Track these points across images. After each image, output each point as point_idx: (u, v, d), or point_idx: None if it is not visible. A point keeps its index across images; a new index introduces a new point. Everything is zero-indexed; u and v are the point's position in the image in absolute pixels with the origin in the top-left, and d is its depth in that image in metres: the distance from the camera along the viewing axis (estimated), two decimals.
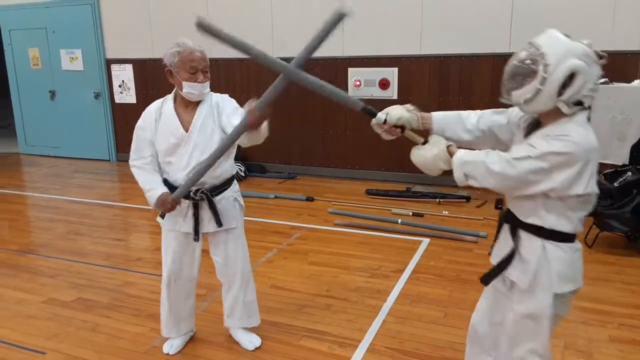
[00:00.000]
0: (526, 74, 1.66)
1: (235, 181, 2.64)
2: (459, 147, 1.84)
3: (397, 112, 1.89)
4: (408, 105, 1.93)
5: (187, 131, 2.41)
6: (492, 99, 6.07)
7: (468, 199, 5.17)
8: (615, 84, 4.56)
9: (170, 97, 2.51)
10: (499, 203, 4.83)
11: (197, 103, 2.46)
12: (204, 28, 1.93)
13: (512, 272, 1.83)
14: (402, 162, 6.00)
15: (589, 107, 1.71)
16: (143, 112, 2.53)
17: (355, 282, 3.50)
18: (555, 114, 1.67)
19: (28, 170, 7.47)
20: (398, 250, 4.03)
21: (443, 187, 5.57)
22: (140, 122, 2.52)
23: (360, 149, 6.20)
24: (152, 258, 4.01)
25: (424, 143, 1.88)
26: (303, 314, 3.08)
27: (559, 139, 1.61)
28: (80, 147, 7.91)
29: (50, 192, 6.07)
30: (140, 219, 5.13)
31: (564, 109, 1.63)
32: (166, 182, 2.47)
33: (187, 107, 2.46)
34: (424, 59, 5.73)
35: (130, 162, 2.53)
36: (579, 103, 1.65)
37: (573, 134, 1.61)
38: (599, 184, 4.00)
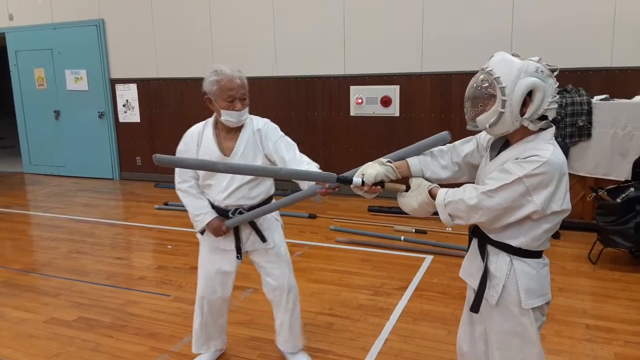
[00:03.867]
0: (485, 98, 1.71)
1: (274, 201, 2.62)
2: (441, 186, 1.84)
3: (372, 172, 1.86)
4: (381, 159, 1.91)
5: (227, 156, 2.42)
6: None
7: None
8: (617, 100, 4.58)
9: (210, 122, 2.51)
10: None
11: (239, 128, 2.46)
12: (164, 162, 1.98)
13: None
14: (405, 179, 6.01)
15: (553, 121, 1.74)
16: (184, 135, 2.53)
17: (358, 300, 3.48)
18: (521, 132, 1.71)
19: (32, 189, 7.50)
20: (401, 268, 4.01)
21: None
22: (181, 146, 2.53)
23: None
24: (154, 277, 4.00)
25: (407, 189, 1.88)
26: (305, 333, 3.04)
27: (530, 161, 1.63)
28: (84, 166, 7.95)
29: (54, 211, 6.08)
30: (143, 238, 5.13)
31: (530, 126, 1.68)
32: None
33: (229, 132, 2.47)
34: (426, 76, 5.77)
35: (176, 186, 2.56)
36: (543, 117, 1.68)
37: (543, 153, 1.63)
38: (602, 200, 4.01)
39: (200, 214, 2.47)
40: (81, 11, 7.45)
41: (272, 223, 2.59)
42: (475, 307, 1.84)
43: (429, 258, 4.15)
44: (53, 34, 7.71)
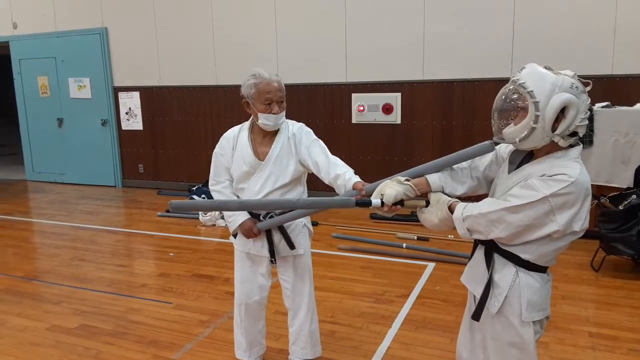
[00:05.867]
0: (514, 111, 1.67)
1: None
2: (460, 199, 1.83)
3: (391, 192, 1.84)
4: (398, 177, 1.90)
5: (262, 160, 2.43)
6: None
7: None
8: (618, 108, 4.58)
9: (247, 126, 2.53)
10: None
11: (275, 132, 2.47)
12: (177, 209, 1.98)
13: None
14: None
15: (584, 138, 1.72)
16: (221, 138, 2.55)
17: (360, 308, 3.48)
18: (549, 147, 1.68)
19: (34, 197, 7.52)
20: (403, 275, 4.01)
21: None
22: (218, 149, 2.55)
23: (364, 172, 6.18)
24: (156, 284, 4.00)
25: (427, 204, 1.86)
26: None
27: (558, 180, 1.59)
28: (86, 173, 7.97)
29: (56, 219, 6.10)
30: (145, 245, 5.14)
31: (561, 142, 1.64)
32: None
33: (265, 136, 2.48)
34: (427, 84, 5.79)
35: (210, 187, 2.58)
36: (574, 134, 1.65)
37: (571, 172, 1.60)
38: (604, 207, 4.00)
39: (234, 214, 2.47)
40: (84, 20, 7.51)
41: (301, 229, 2.58)
42: (476, 315, 1.83)
43: (431, 265, 4.14)
44: (57, 42, 7.76)
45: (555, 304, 3.28)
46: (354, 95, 6.11)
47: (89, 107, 7.73)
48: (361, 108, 6.06)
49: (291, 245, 2.51)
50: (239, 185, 2.50)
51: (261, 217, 2.46)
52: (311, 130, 2.53)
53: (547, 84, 1.60)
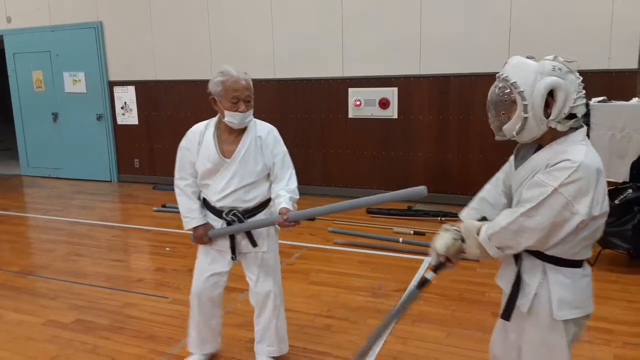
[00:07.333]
0: (506, 106, 1.66)
1: (270, 205, 2.59)
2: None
3: (441, 242, 1.83)
4: (445, 226, 1.88)
5: (228, 158, 2.43)
6: None
7: None
8: (614, 102, 4.59)
9: (213, 122, 2.52)
10: None
11: (242, 131, 2.46)
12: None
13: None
14: (403, 180, 6.01)
15: (584, 119, 1.71)
16: (187, 132, 2.55)
17: (356, 302, 3.48)
18: (551, 134, 1.65)
19: (30, 191, 7.49)
20: (399, 269, 4.01)
21: (445, 205, 5.57)
22: (184, 142, 2.54)
23: (361, 168, 6.22)
24: (152, 279, 3.99)
25: (463, 240, 1.83)
26: (304, 335, 3.05)
27: (561, 168, 1.56)
28: (82, 168, 7.94)
29: (52, 214, 6.07)
30: (141, 240, 5.13)
31: (558, 127, 1.62)
32: (205, 200, 2.55)
33: (232, 134, 2.47)
34: (424, 78, 5.78)
35: (175, 182, 2.59)
36: (572, 116, 1.62)
37: (574, 156, 1.56)
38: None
39: (188, 217, 2.51)
40: (79, 13, 7.45)
41: (264, 228, 2.56)
42: (506, 315, 1.78)
43: (427, 259, 4.15)
44: (51, 37, 7.70)
45: None
46: (350, 90, 6.10)
47: (84, 101, 7.69)
48: (358, 103, 6.05)
49: (253, 243, 2.51)
50: (203, 181, 2.50)
51: (224, 215, 2.47)
52: (281, 139, 2.55)
53: (529, 72, 1.60)
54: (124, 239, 5.16)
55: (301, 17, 6.18)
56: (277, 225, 2.41)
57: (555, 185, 1.55)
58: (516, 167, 1.78)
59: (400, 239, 4.60)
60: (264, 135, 2.48)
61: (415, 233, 4.79)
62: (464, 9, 5.48)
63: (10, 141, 9.65)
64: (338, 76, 6.13)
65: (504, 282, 1.86)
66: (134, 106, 7.46)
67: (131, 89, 7.42)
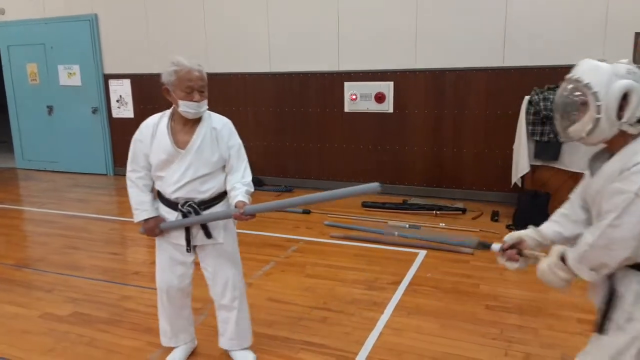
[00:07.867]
0: (576, 107, 1.66)
1: (227, 197, 2.58)
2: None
3: (515, 233, 1.93)
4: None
5: (182, 149, 2.42)
6: (487, 113, 6.11)
7: (464, 211, 5.18)
8: None
9: (167, 114, 2.53)
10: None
11: (197, 122, 2.47)
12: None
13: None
14: (398, 174, 6.04)
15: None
16: (141, 125, 2.55)
17: (352, 295, 3.51)
18: (622, 139, 1.65)
19: (25, 185, 7.47)
20: (394, 262, 4.04)
21: (439, 199, 5.60)
22: (137, 135, 2.54)
23: (356, 162, 6.23)
24: (149, 272, 4.00)
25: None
26: (300, 327, 3.08)
27: (638, 172, 1.55)
28: (77, 161, 7.91)
29: (47, 207, 6.06)
30: (137, 233, 5.11)
31: (630, 130, 1.62)
32: (159, 193, 2.54)
33: (186, 124, 2.47)
34: (419, 72, 5.78)
35: (127, 174, 2.57)
36: None
37: None
38: None
39: (139, 209, 2.50)
40: (74, 6, 7.41)
41: (220, 220, 2.55)
42: (601, 329, 1.72)
43: (422, 253, 4.17)
44: (45, 29, 7.66)
45: (543, 291, 3.32)
46: (346, 84, 6.10)
47: (79, 94, 7.66)
48: (354, 97, 6.06)
49: (208, 235, 2.51)
50: (158, 173, 2.48)
51: (179, 207, 2.45)
52: (236, 132, 2.56)
53: (603, 74, 1.61)
54: (120, 232, 5.16)
55: (297, 11, 6.17)
56: (233, 219, 2.44)
57: (634, 190, 1.54)
58: (591, 177, 1.77)
59: (396, 233, 4.62)
60: (219, 127, 2.49)
61: (411, 227, 4.82)
62: (459, 3, 5.48)
63: (5, 134, 9.60)
64: (334, 70, 6.13)
65: (592, 294, 1.84)
66: (129, 99, 7.44)
67: (126, 82, 7.39)
